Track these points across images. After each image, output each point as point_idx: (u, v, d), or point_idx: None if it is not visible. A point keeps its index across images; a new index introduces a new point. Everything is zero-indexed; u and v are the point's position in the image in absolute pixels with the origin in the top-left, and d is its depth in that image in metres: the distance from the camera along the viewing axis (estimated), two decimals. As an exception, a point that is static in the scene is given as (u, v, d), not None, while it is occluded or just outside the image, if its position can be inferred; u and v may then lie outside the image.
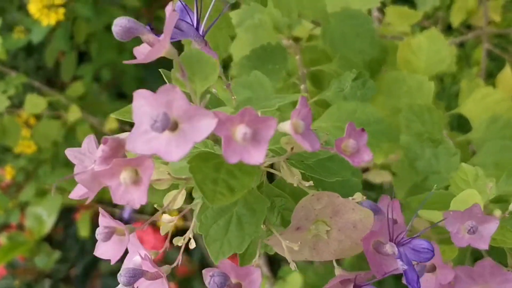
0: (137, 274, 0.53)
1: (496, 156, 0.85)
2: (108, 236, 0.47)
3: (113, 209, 1.49)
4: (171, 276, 1.76)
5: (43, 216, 1.70)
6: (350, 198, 0.53)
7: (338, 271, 0.55)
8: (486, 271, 0.58)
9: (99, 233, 0.46)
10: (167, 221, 0.57)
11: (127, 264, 0.57)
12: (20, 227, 1.79)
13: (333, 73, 0.89)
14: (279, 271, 1.45)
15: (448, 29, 1.41)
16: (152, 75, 1.83)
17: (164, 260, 1.75)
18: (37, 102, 1.64)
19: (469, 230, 0.57)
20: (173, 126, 0.39)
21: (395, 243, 0.51)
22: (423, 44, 1.01)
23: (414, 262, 0.52)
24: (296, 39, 0.98)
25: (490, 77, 1.28)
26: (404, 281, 0.52)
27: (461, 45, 1.38)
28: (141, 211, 1.62)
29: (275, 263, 1.66)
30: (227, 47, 0.83)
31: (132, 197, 0.41)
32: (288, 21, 0.92)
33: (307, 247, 0.53)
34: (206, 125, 0.39)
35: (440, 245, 0.63)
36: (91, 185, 0.42)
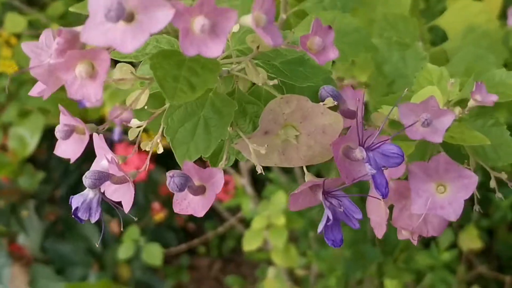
0: (102, 177, 0.52)
1: (468, 64, 0.84)
2: (67, 134, 0.46)
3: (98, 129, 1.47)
4: (154, 196, 1.78)
5: (26, 137, 1.69)
6: (321, 102, 0.52)
7: (308, 177, 0.55)
8: (441, 167, 0.57)
9: (58, 130, 0.46)
10: (134, 126, 0.56)
11: (94, 167, 0.56)
12: (4, 148, 1.78)
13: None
14: (263, 190, 1.46)
15: None
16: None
17: (149, 179, 1.77)
18: (17, 21, 1.61)
19: (423, 123, 0.55)
20: (129, 17, 0.38)
21: (364, 148, 0.50)
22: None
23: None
24: None
25: None
26: (372, 186, 0.51)
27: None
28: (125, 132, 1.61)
29: (259, 183, 1.67)
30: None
31: (88, 91, 0.40)
32: None
33: (276, 152, 0.53)
34: (163, 15, 0.37)
35: (396, 141, 0.61)
36: (47, 80, 0.41)
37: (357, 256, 1.37)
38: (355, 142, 0.51)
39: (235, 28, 0.54)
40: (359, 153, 0.50)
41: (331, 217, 0.51)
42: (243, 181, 1.57)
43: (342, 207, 0.52)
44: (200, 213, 0.49)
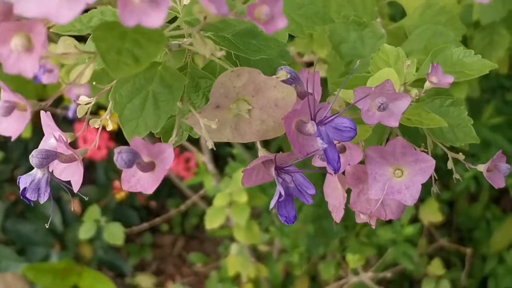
0: (49, 155, 0.51)
1: (427, 41, 0.83)
2: (8, 111, 0.44)
3: (55, 109, 1.44)
4: (116, 174, 1.75)
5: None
6: (274, 76, 0.51)
7: (261, 152, 0.54)
8: (397, 151, 0.57)
9: (-2, 107, 0.44)
10: (83, 102, 0.54)
11: (42, 146, 0.55)
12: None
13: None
14: (225, 168, 1.45)
15: None
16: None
17: (110, 157, 1.74)
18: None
19: (379, 107, 0.54)
20: (66, -14, 0.36)
21: (316, 122, 0.49)
22: None
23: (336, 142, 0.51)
24: None
25: None
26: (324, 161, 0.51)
27: None
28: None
29: (221, 160, 1.66)
30: None
31: (25, 65, 0.38)
32: None
33: (228, 127, 0.52)
34: (101, -16, 0.36)
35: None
36: (-18, 54, 0.39)
37: (319, 231, 1.37)
38: (307, 116, 0.50)
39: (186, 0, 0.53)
40: (311, 127, 0.49)
41: (283, 193, 0.50)
42: (204, 158, 1.56)
43: (294, 183, 0.51)
44: (150, 190, 0.48)
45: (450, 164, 0.65)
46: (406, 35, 0.90)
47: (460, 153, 0.64)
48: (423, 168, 0.57)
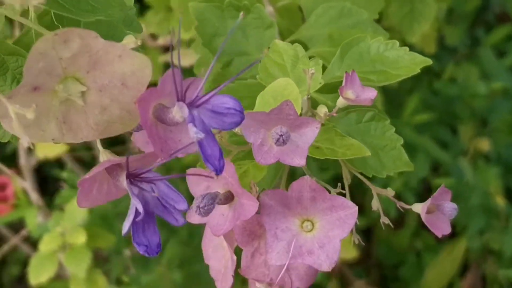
0: None
1: (331, 24, 0.79)
2: None
3: None
4: None
5: None
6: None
7: (104, 155, 0.50)
8: (306, 195, 0.54)
9: None
10: None
11: None
12: None
13: None
14: (55, 196, 1.38)
15: None
16: None
17: None
18: None
19: (277, 140, 0.52)
20: None
21: (186, 103, 0.44)
22: None
23: (214, 131, 0.47)
24: None
25: None
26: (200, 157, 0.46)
27: None
28: None
29: (49, 185, 1.58)
30: None
31: None
32: None
33: (53, 120, 0.46)
34: None
35: (240, 161, 0.59)
36: None
37: (190, 279, 1.34)
38: (172, 97, 0.45)
39: None
40: (178, 111, 0.44)
41: (141, 210, 0.45)
42: (25, 184, 1.48)
43: (156, 194, 0.47)
44: None
45: (375, 204, 0.62)
46: (304, 19, 0.86)
47: (389, 188, 0.62)
48: (341, 217, 0.54)
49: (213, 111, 0.45)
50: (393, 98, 1.41)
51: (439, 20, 1.20)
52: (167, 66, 1.20)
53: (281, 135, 0.52)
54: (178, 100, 0.44)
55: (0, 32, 0.57)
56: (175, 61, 0.45)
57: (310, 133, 0.53)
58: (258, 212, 0.55)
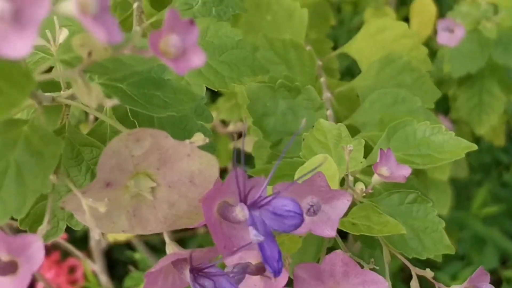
0: None
1: (384, 111, 0.82)
2: None
3: None
4: None
5: None
6: (187, 141, 0.49)
7: (170, 248, 0.52)
8: (338, 270, 0.55)
9: None
10: None
11: None
12: None
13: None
14: (125, 279, 1.40)
15: None
16: None
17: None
18: None
19: (308, 210, 0.54)
20: None
21: (248, 204, 0.47)
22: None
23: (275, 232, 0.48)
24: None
25: (403, 4, 1.27)
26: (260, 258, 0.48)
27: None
28: None
29: (118, 268, 1.61)
30: None
31: None
32: None
33: (124, 213, 0.49)
34: None
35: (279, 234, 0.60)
36: None
37: None
38: (235, 196, 0.48)
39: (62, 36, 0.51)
40: (240, 211, 0.47)
41: None
42: (95, 267, 1.51)
43: None
44: (9, 304, 0.44)
45: (413, 285, 0.63)
46: (359, 103, 0.89)
47: (428, 269, 0.62)
48: None
49: (274, 213, 0.47)
50: (462, 191, 1.40)
51: (509, 113, 1.19)
52: (237, 152, 1.21)
53: (312, 206, 0.53)
54: (240, 201, 0.47)
55: (76, 121, 0.60)
56: (240, 159, 0.49)
57: (341, 206, 0.55)
58: (291, 285, 0.56)
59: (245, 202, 0.47)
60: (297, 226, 0.47)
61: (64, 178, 0.49)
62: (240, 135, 1.21)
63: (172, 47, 0.41)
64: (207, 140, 0.50)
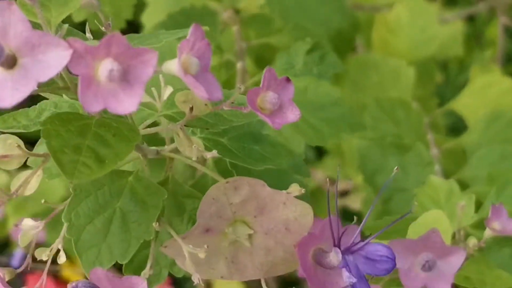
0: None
1: (492, 166, 0.83)
2: None
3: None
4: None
5: None
6: (283, 190, 0.52)
7: None
8: None
9: None
10: (28, 228, 0.55)
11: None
12: None
13: (284, 47, 0.88)
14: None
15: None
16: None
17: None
18: None
19: (423, 266, 0.55)
20: (11, 62, 0.38)
21: (341, 249, 0.50)
22: (403, 18, 0.99)
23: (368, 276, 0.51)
24: (238, 11, 0.97)
25: (510, 61, 1.27)
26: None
27: (470, 19, 1.36)
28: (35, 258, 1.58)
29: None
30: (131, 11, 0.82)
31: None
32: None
33: (222, 260, 0.52)
34: (55, 57, 0.37)
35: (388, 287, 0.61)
36: None
37: None
38: (329, 242, 0.50)
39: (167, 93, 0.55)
40: (335, 256, 0.49)
41: None
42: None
43: None
44: None
45: None
46: (466, 159, 0.90)
47: None
48: None
49: (367, 258, 0.49)
50: None
51: None
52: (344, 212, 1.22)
53: (427, 261, 0.55)
54: (334, 246, 0.49)
55: (180, 176, 0.63)
56: (332, 209, 0.51)
57: (455, 261, 0.55)
58: None
59: (339, 248, 0.49)
60: (389, 270, 0.50)
61: (166, 226, 0.52)
62: (345, 193, 1.22)
63: (268, 103, 0.44)
64: (303, 191, 0.53)
